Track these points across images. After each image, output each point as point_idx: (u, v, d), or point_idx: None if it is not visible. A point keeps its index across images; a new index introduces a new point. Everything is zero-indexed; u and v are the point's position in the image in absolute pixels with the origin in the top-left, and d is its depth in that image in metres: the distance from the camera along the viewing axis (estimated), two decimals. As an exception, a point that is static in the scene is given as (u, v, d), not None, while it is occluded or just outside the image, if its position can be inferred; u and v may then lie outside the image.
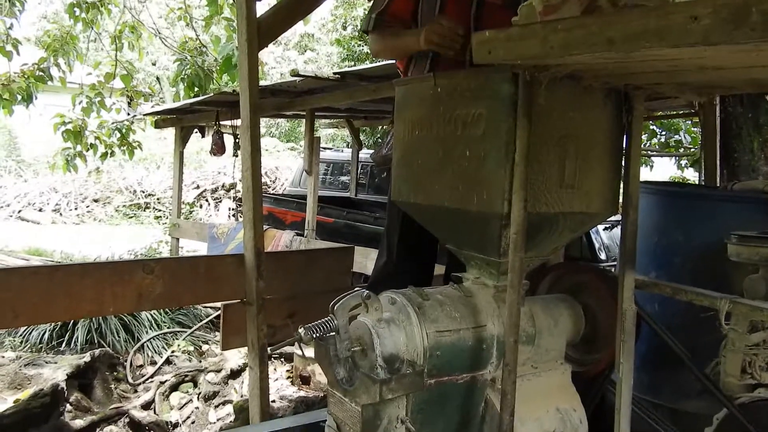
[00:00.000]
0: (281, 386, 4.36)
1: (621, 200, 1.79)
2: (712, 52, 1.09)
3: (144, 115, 7.60)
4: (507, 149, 1.51)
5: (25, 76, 6.65)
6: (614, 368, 1.95)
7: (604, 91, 1.66)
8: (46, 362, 4.16)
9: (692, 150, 8.41)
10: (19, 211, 13.01)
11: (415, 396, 1.62)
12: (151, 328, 4.75)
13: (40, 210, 13.16)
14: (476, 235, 1.69)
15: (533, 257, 1.75)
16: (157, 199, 13.81)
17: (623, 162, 1.74)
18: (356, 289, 1.60)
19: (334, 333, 1.54)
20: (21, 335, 4.64)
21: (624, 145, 1.73)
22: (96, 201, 13.65)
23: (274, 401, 3.93)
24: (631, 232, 1.72)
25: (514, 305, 1.53)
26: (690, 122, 8.10)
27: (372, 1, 2.51)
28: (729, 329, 1.73)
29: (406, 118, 1.85)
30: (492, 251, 1.68)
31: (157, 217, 13.31)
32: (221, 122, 6.72)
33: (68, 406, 3.56)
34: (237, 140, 6.67)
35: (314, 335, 1.53)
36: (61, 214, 13.14)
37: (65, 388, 3.52)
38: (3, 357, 4.32)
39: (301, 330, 1.54)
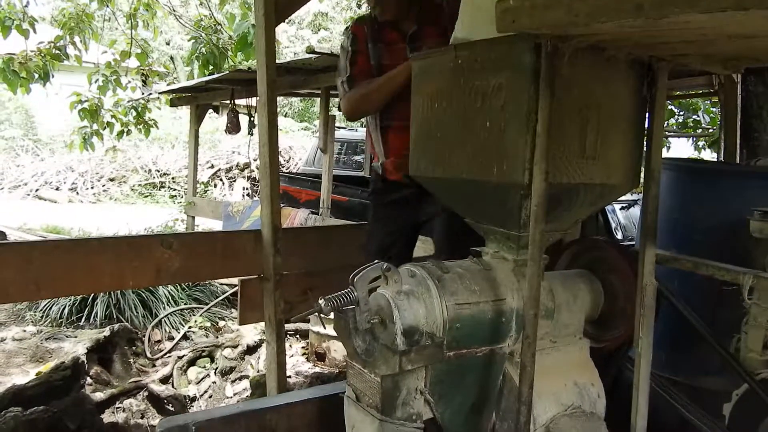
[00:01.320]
0: (297, 362, 4.40)
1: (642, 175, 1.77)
2: (743, 17, 1.07)
3: (159, 93, 7.61)
4: (528, 120, 1.49)
5: (42, 55, 6.67)
6: (632, 345, 1.95)
7: (628, 63, 1.63)
8: (67, 336, 4.23)
9: (710, 131, 8.29)
10: (37, 190, 13.14)
11: (434, 368, 1.63)
12: (168, 305, 4.80)
13: (57, 189, 13.29)
14: (496, 207, 1.69)
15: (553, 230, 1.74)
16: (172, 178, 13.88)
17: (645, 135, 1.72)
18: (376, 262, 1.60)
19: (353, 305, 1.55)
20: (41, 310, 4.71)
21: (646, 119, 1.71)
22: (112, 180, 13.75)
23: (289, 377, 3.96)
24: (652, 206, 1.70)
25: (534, 278, 1.52)
26: (709, 102, 7.98)
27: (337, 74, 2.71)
28: (752, 304, 1.72)
29: (424, 92, 1.83)
30: (512, 224, 1.67)
31: (172, 197, 13.40)
32: (236, 101, 6.71)
33: (88, 379, 3.62)
34: (252, 119, 6.67)
35: (334, 307, 1.54)
36: (77, 193, 13.26)
37: (85, 361, 3.58)
38: (24, 331, 4.39)
39: (321, 301, 1.55)
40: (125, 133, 7.45)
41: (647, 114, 1.71)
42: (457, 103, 1.68)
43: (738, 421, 1.85)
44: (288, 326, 3.56)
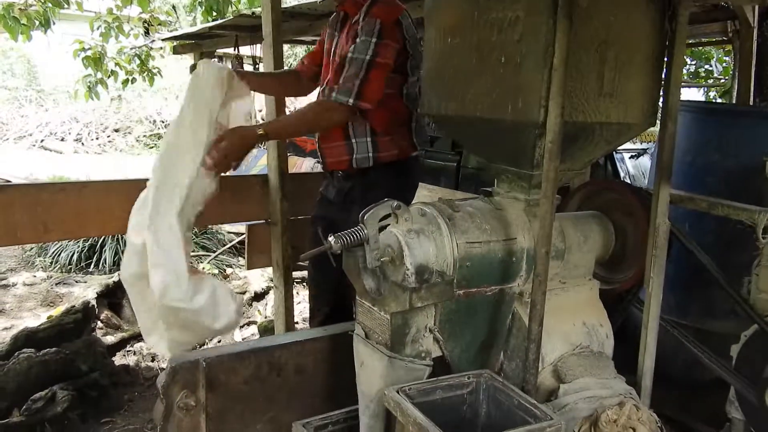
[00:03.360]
0: (303, 309, 4.44)
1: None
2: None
3: (162, 39, 7.47)
4: (545, 54, 1.45)
5: (42, 1, 6.54)
6: (641, 287, 1.95)
7: (649, -5, 1.58)
8: (76, 282, 4.27)
9: (722, 81, 8.14)
10: (42, 141, 13.09)
11: (444, 306, 1.63)
12: (176, 252, 4.81)
13: (62, 140, 13.23)
14: (509, 146, 1.66)
15: (566, 170, 1.72)
16: (177, 129, 13.78)
17: (664, 71, 1.67)
18: (386, 200, 1.58)
19: (363, 243, 1.54)
20: (51, 256, 4.74)
21: (666, 54, 1.66)
22: (117, 131, 13.67)
23: (297, 323, 4.01)
24: (668, 145, 1.67)
25: (547, 216, 1.51)
26: (722, 50, 7.81)
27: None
28: (765, 244, 1.70)
29: (437, 26, 1.78)
30: (525, 163, 1.65)
31: (177, 147, 13.32)
32: (240, 50, 6.60)
33: (99, 324, 3.66)
34: (257, 67, 6.57)
35: (344, 244, 1.53)
36: (82, 143, 13.21)
37: (95, 306, 3.61)
38: (35, 276, 4.43)
39: (330, 239, 1.54)
40: (130, 82, 7.36)
41: (667, 50, 1.66)
42: (471, 36, 1.63)
43: (746, 362, 1.85)
44: (295, 274, 3.56)
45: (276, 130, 2.28)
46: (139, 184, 2.75)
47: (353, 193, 2.35)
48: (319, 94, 2.35)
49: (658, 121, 1.75)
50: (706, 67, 8.65)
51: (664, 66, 1.70)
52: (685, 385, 2.46)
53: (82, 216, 2.48)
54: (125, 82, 7.26)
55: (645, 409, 1.59)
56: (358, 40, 2.12)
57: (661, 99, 1.71)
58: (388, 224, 1.60)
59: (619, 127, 1.64)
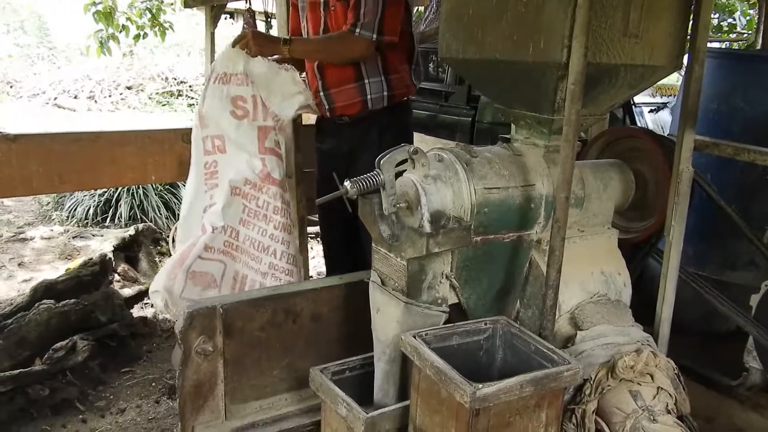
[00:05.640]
0: (318, 264, 4.45)
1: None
2: None
3: (173, -9, 7.37)
4: (569, -10, 1.40)
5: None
6: (660, 236, 1.92)
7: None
8: (93, 235, 4.30)
9: (746, 35, 7.91)
10: (55, 99, 13.08)
11: (461, 253, 1.62)
12: (191, 207, 4.83)
13: (75, 97, 13.20)
14: (530, 89, 1.61)
15: (587, 115, 1.67)
16: (190, 86, 13.70)
17: (692, 12, 1.61)
18: (402, 144, 1.55)
19: (379, 188, 1.51)
20: (67, 210, 4.77)
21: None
22: (129, 88, 13.61)
23: (311, 277, 4.03)
24: (694, 89, 1.62)
25: (567, 160, 1.48)
26: (747, 2, 7.57)
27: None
28: (791, 191, 1.66)
29: (456, -34, 1.72)
30: (545, 107, 1.61)
31: (190, 105, 13.28)
32: (252, 4, 6.49)
33: (116, 276, 3.69)
34: (269, 20, 6.46)
35: (360, 189, 1.51)
36: (96, 101, 13.18)
37: (113, 259, 3.64)
38: (52, 230, 4.47)
39: (347, 183, 1.52)
40: (141, 37, 7.29)
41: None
42: (491, -25, 1.58)
43: (766, 311, 1.84)
44: (309, 229, 3.55)
45: (299, 46, 2.32)
46: (154, 135, 2.75)
47: (365, 138, 2.33)
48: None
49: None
50: (729, 20, 8.40)
51: (692, 8, 1.64)
52: (702, 335, 2.45)
53: (96, 167, 2.47)
54: (137, 37, 7.19)
55: (662, 356, 1.58)
56: None
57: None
58: (404, 170, 1.58)
59: (644, 70, 1.59)
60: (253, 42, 2.24)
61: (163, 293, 2.18)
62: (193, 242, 2.26)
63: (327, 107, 2.42)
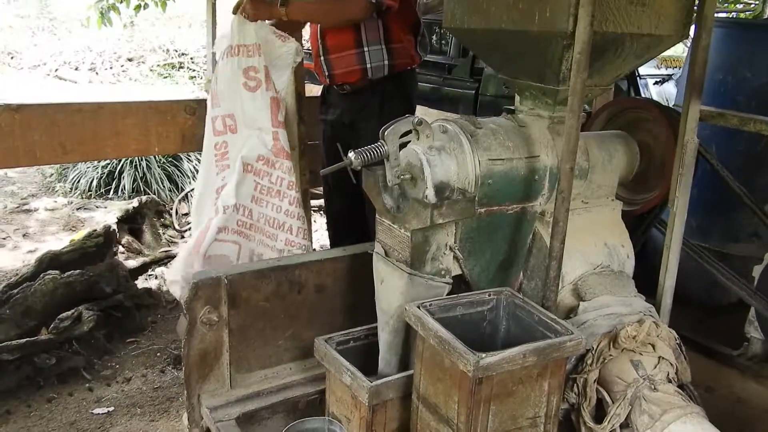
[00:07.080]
0: (321, 237, 4.47)
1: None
2: None
3: (174, -38, 7.26)
4: (576, -42, 1.38)
5: None
6: (664, 208, 1.92)
7: None
8: (96, 207, 4.31)
9: (753, 5, 7.79)
10: (56, 70, 13.00)
11: (464, 224, 1.62)
12: (193, 179, 4.82)
13: (77, 69, 13.12)
14: (535, 59, 1.60)
15: (593, 86, 1.66)
16: (191, 58, 13.59)
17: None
18: (407, 115, 1.54)
19: (384, 159, 1.51)
20: (71, 182, 4.78)
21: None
22: (130, 60, 13.50)
23: (315, 250, 4.04)
24: (701, 58, 1.61)
25: (572, 131, 1.47)
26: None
27: None
28: (797, 162, 1.66)
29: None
30: (551, 78, 1.59)
31: (191, 77, 13.18)
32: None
33: (120, 248, 3.71)
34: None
35: (364, 160, 1.51)
36: (97, 73, 13.10)
37: (116, 230, 3.65)
38: (56, 202, 4.48)
39: (351, 154, 1.52)
40: (142, 7, 7.20)
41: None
42: (497, -59, 1.55)
43: (768, 283, 1.84)
44: (313, 202, 3.55)
45: (296, 8, 2.25)
46: (157, 106, 2.74)
47: (367, 108, 2.32)
48: None
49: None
50: (737, -10, 8.25)
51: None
52: (703, 306, 2.47)
53: (99, 138, 2.46)
54: (137, 7, 7.09)
55: (664, 326, 1.59)
56: None
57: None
58: (409, 141, 1.57)
59: (650, 39, 1.58)
60: (250, 5, 2.20)
61: (182, 283, 2.17)
62: (207, 226, 2.23)
63: (327, 74, 2.40)
